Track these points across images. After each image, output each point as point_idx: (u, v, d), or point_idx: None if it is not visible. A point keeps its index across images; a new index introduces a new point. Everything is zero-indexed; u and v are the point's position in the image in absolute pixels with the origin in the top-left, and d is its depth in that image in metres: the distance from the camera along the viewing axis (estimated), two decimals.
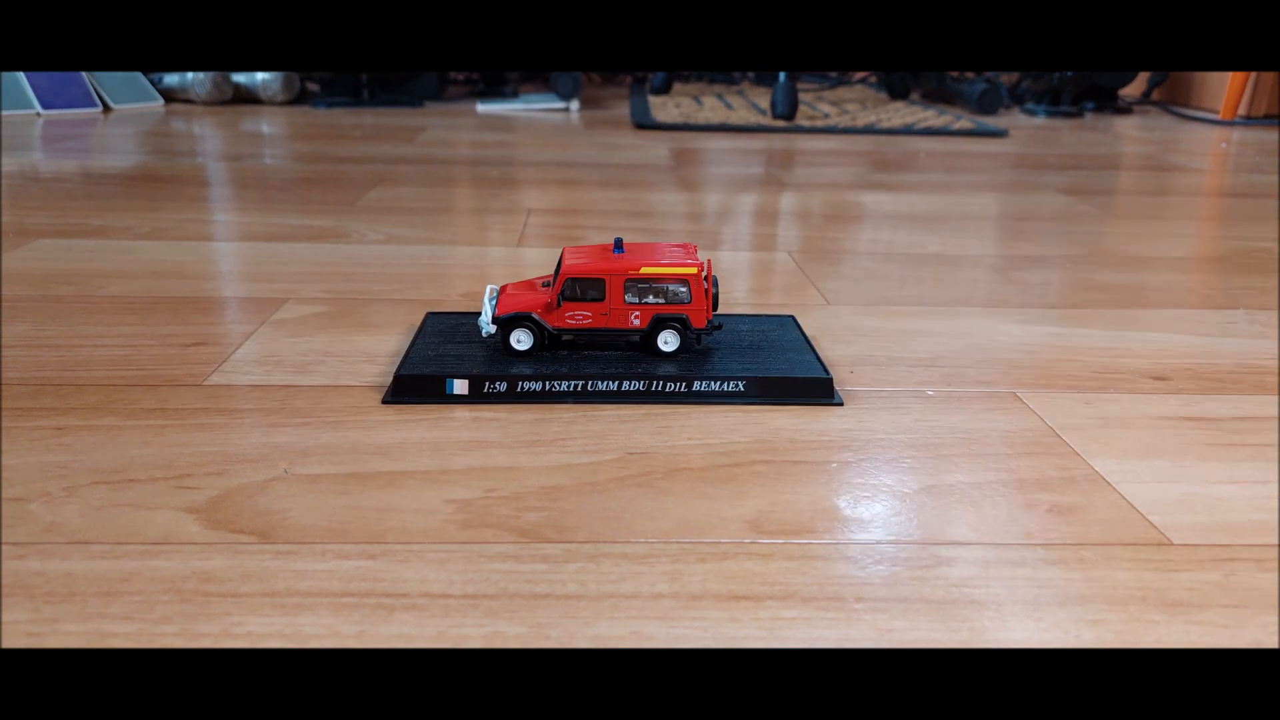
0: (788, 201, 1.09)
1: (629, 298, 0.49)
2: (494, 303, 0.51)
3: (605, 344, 0.52)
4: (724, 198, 1.09)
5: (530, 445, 0.43)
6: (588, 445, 0.43)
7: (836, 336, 0.59)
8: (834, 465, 0.42)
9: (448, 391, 0.48)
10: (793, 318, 0.59)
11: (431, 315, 0.58)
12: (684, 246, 0.53)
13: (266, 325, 0.59)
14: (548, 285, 0.52)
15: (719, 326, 0.52)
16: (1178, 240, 0.84)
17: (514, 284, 0.53)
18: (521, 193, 1.04)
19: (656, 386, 0.48)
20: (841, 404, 0.48)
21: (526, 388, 0.48)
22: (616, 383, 0.48)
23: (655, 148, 1.46)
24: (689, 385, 0.49)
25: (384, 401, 0.48)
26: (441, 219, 0.90)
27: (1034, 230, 0.96)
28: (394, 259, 0.76)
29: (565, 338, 0.52)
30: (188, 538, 0.34)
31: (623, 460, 0.42)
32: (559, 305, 0.49)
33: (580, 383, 0.48)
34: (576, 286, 0.49)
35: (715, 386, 0.49)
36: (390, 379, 0.50)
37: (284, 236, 0.83)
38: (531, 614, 0.30)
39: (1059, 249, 0.81)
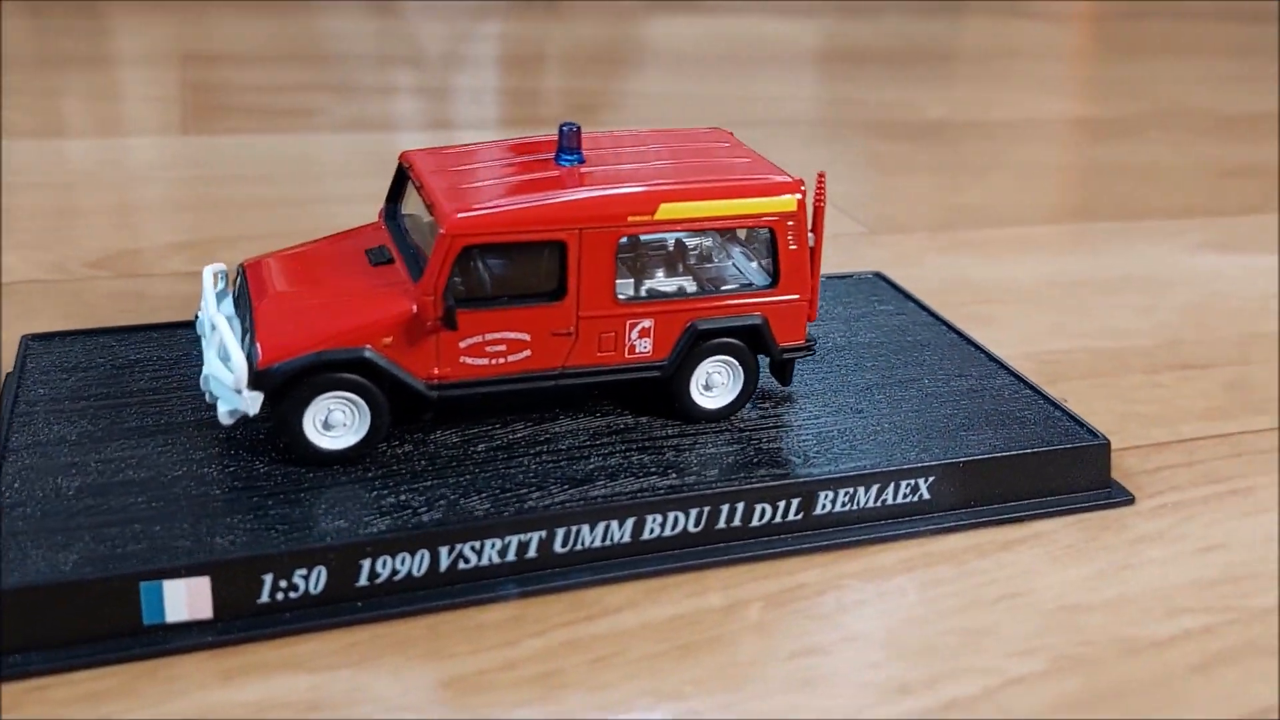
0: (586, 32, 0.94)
1: (625, 287, 0.33)
2: (241, 321, 0.32)
3: (552, 403, 0.35)
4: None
5: None
6: None
7: (953, 304, 0.48)
8: None
9: (148, 620, 0.29)
10: (880, 276, 0.46)
11: (35, 342, 0.38)
12: (712, 135, 0.37)
13: None
14: (383, 261, 0.33)
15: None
16: None
17: (281, 257, 0.34)
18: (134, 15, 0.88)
19: (726, 517, 0.32)
20: (1133, 500, 0.37)
21: (388, 571, 0.30)
22: (626, 523, 0.31)
23: None
24: (808, 502, 0.32)
25: None
26: None
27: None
28: None
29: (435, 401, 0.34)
30: None
31: None
32: (447, 319, 0.31)
33: (540, 534, 0.31)
34: (488, 266, 0.33)
35: (870, 496, 0.33)
36: None
37: None
38: None
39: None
